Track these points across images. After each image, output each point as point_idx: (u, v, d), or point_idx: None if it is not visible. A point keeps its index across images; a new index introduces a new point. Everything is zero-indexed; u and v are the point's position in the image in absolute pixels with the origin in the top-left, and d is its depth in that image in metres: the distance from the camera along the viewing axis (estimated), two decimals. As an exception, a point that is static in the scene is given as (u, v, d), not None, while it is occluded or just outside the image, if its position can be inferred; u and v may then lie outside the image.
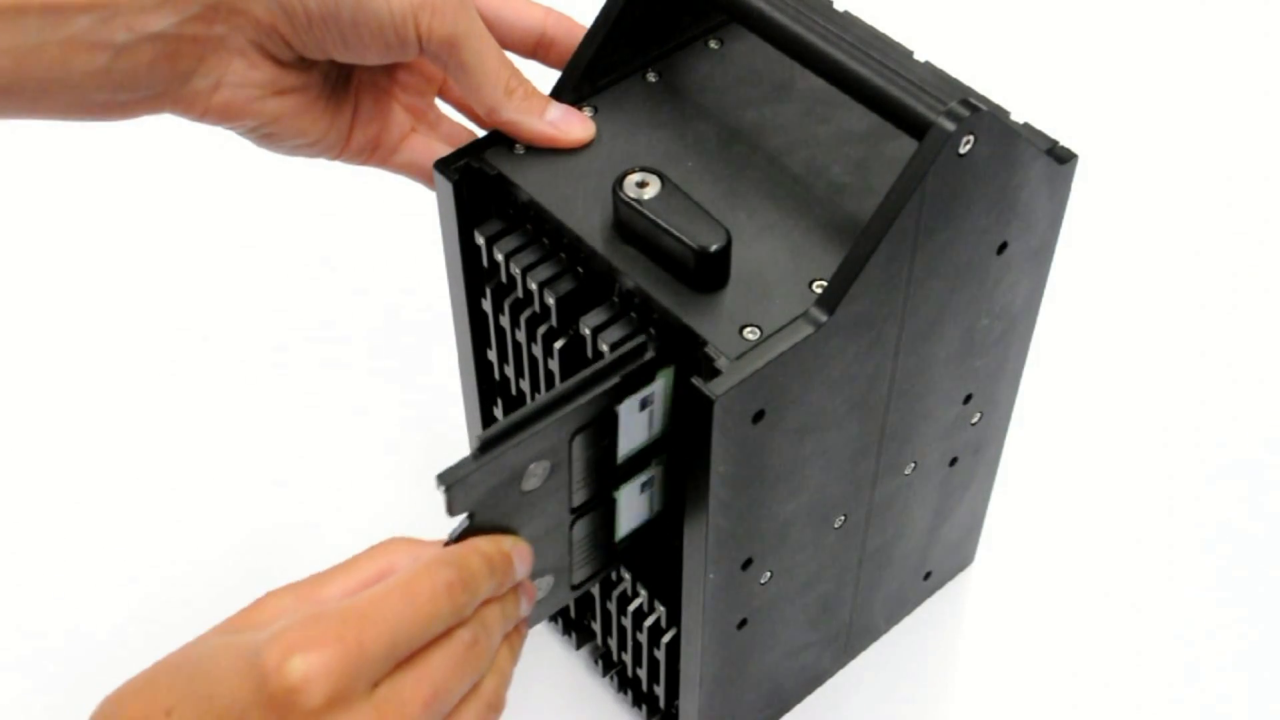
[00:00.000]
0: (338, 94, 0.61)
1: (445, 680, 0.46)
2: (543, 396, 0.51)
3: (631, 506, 0.57)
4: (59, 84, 0.52)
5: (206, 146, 0.88)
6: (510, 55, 0.60)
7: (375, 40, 0.56)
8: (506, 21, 0.61)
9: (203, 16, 0.54)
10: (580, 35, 0.61)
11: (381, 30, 0.55)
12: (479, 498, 0.50)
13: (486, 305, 0.61)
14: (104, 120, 0.55)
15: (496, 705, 0.50)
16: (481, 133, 0.61)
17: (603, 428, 0.53)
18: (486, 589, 0.49)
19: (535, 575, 0.54)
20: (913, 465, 0.65)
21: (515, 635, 0.52)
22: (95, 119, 0.55)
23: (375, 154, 0.63)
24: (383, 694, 0.45)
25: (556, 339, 0.57)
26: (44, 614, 0.76)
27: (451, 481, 0.48)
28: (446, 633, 0.47)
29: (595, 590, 0.67)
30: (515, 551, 0.51)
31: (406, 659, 0.46)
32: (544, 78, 0.61)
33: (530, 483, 0.51)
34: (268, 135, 0.59)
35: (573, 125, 0.59)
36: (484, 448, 0.49)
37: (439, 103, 0.65)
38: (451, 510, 0.49)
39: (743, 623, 0.62)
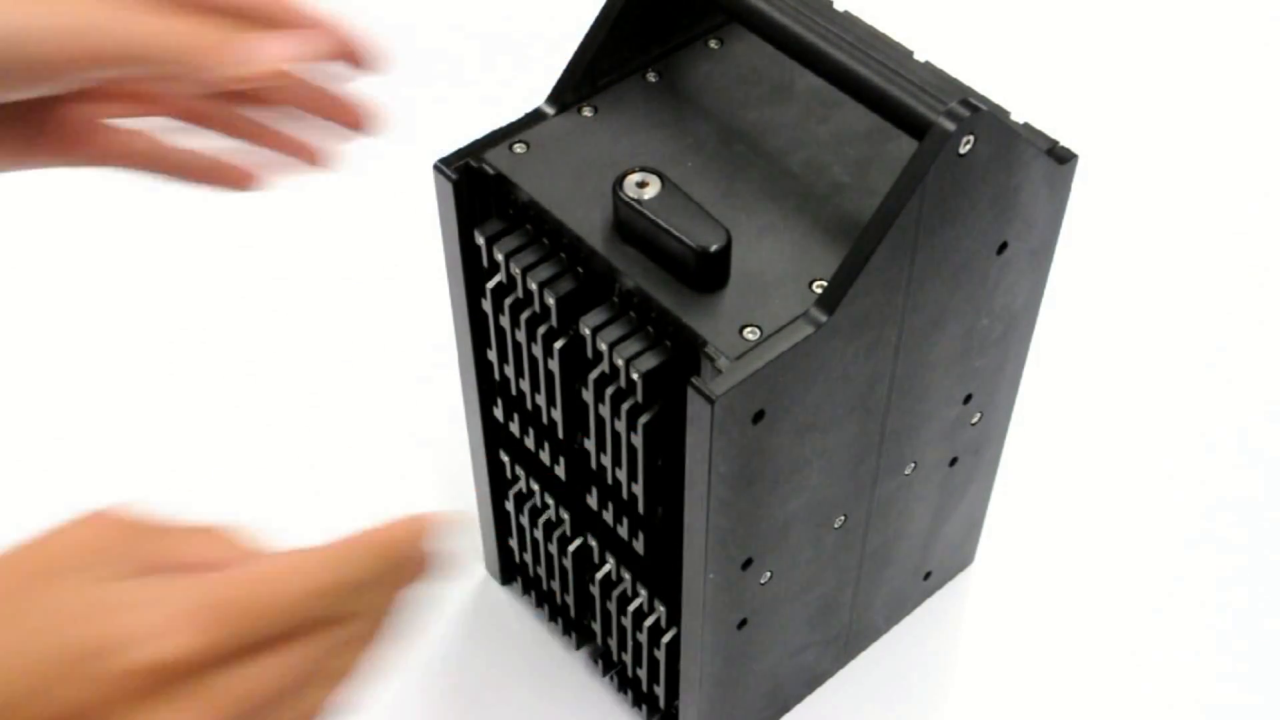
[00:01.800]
0: None
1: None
2: None
3: None
4: None
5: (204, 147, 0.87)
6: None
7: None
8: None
9: None
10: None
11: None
12: None
13: (486, 305, 0.61)
14: None
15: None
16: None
17: None
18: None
19: None
20: (913, 465, 0.65)
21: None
22: None
23: (61, 157, 0.55)
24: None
25: (556, 339, 0.57)
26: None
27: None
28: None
29: (595, 590, 0.67)
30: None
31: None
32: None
33: None
34: None
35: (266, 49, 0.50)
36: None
37: None
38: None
39: (743, 623, 0.62)
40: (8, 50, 0.48)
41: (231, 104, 0.57)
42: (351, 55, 0.52)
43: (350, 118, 0.56)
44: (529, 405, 0.63)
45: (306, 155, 0.57)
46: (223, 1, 0.52)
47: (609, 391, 0.56)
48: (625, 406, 0.55)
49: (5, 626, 0.38)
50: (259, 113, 0.57)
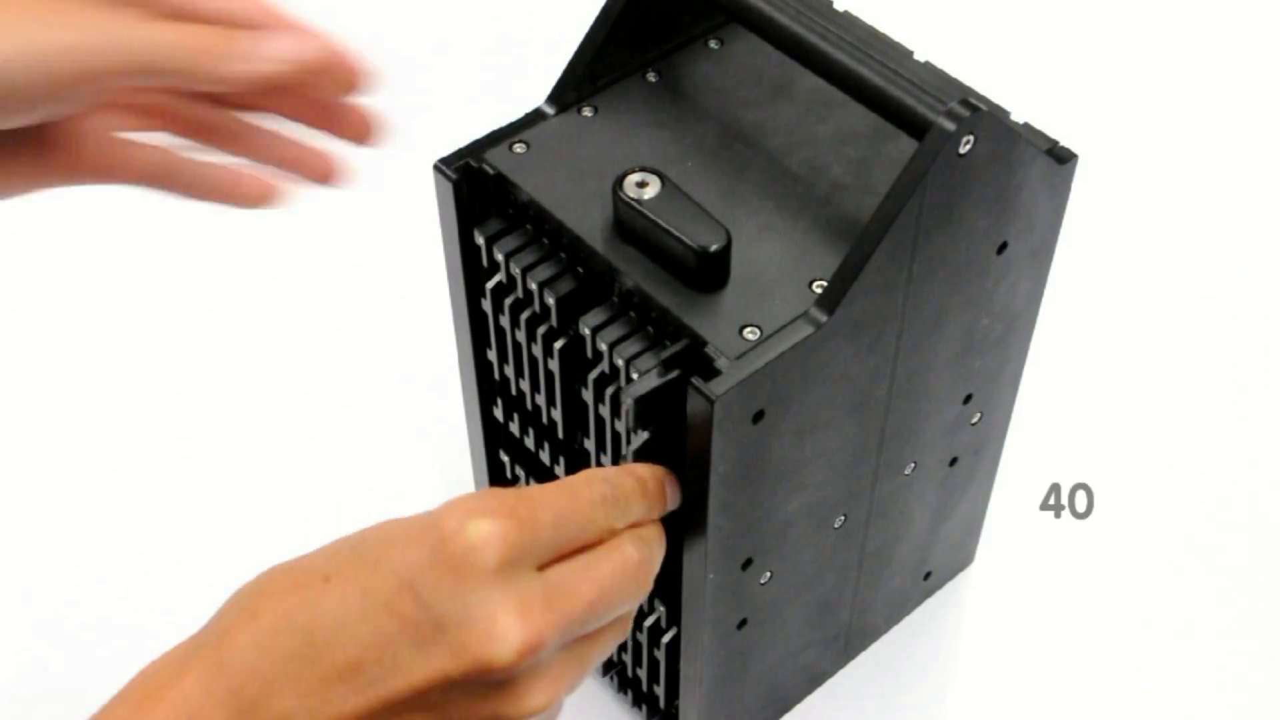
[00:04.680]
0: None
1: (613, 587, 0.47)
2: None
3: None
4: None
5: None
6: None
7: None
8: None
9: None
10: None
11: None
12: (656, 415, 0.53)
13: (486, 305, 0.61)
14: None
15: (622, 635, 0.51)
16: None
17: None
18: (637, 510, 0.51)
19: None
20: (913, 465, 0.65)
21: None
22: None
23: (76, 176, 0.54)
24: (553, 577, 0.46)
25: (556, 339, 0.57)
26: (34, 619, 0.76)
27: (636, 395, 0.51)
28: (610, 545, 0.48)
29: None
30: (669, 480, 0.53)
31: (570, 554, 0.47)
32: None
33: None
34: None
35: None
36: (666, 366, 0.52)
37: None
38: (637, 424, 0.52)
39: (743, 623, 0.62)
40: (22, 70, 0.47)
41: (236, 117, 0.56)
42: (341, 69, 0.52)
43: (355, 129, 0.55)
44: (529, 405, 0.63)
45: (318, 169, 0.56)
46: (210, 11, 0.51)
47: (609, 391, 0.56)
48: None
49: None
50: (264, 127, 0.56)
